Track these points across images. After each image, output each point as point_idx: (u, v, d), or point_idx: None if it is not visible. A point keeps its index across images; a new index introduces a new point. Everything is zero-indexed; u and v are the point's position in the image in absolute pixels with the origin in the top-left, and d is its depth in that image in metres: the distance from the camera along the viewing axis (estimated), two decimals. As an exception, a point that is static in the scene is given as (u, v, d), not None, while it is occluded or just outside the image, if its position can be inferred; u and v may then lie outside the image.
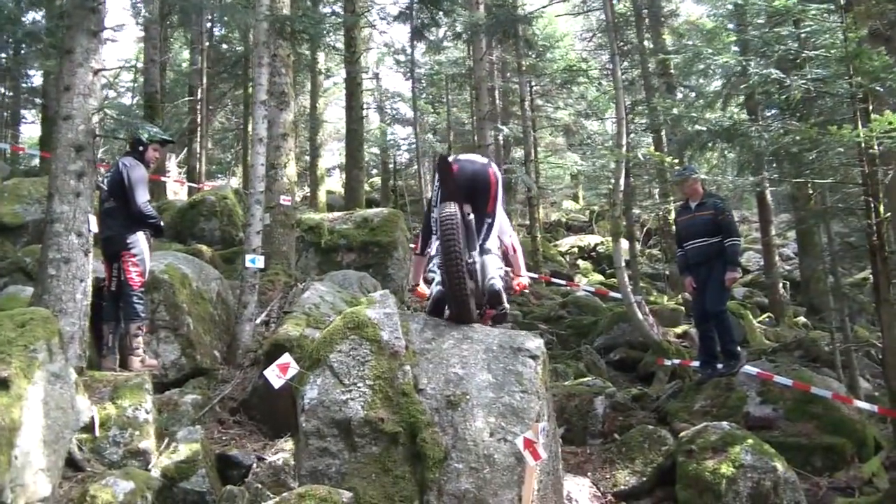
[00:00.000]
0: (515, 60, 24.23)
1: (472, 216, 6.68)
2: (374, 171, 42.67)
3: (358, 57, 24.94)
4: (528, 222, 30.02)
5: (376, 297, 6.65)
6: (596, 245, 29.71)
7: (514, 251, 7.65)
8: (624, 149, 12.35)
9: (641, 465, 7.86)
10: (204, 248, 13.35)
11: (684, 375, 11.61)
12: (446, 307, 6.84)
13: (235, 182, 29.20)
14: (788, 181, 10.99)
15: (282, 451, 6.84)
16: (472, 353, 6.15)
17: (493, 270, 6.88)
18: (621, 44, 27.87)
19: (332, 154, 42.73)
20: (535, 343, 6.37)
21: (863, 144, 7.49)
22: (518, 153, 30.19)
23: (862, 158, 8.30)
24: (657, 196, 41.57)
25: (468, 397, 5.82)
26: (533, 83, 26.17)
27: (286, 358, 5.78)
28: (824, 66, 8.83)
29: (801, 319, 20.21)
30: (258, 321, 10.06)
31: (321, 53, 27.56)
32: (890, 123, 6.60)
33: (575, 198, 40.70)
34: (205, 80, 21.27)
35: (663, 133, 21.80)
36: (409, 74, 36.69)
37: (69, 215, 7.24)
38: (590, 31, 29.71)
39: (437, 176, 6.77)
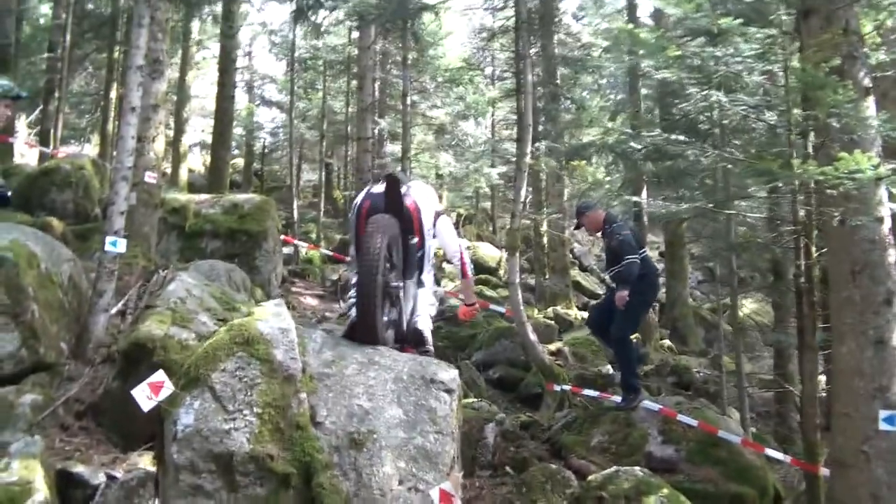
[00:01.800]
0: (400, 53, 23.39)
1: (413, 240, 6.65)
2: (236, 153, 41.23)
3: (235, 32, 23.75)
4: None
5: (270, 307, 5.70)
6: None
7: (467, 276, 7.59)
8: (528, 157, 11.70)
9: (543, 508, 7.14)
10: (55, 221, 11.94)
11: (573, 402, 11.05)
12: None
13: (90, 151, 27.41)
14: (717, 211, 10.51)
15: (137, 469, 5.84)
16: (380, 382, 5.29)
17: (423, 308, 6.77)
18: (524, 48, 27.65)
19: (194, 131, 41.00)
20: (449, 374, 5.57)
21: (813, 183, 6.98)
22: (394, 148, 29.40)
23: (797, 196, 7.88)
24: (528, 206, 41.98)
25: (375, 436, 4.97)
26: (413, 79, 25.39)
27: (160, 375, 4.80)
28: (766, 93, 8.45)
29: (666, 342, 20.11)
30: (113, 311, 8.90)
31: (196, 23, 26.15)
32: (857, 163, 6.05)
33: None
34: (68, 38, 19.59)
35: (543, 143, 21.46)
36: (282, 56, 35.72)
37: None
38: (481, 32, 29.21)
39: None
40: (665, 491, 6.70)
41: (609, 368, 14.43)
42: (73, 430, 6.90)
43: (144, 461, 6.06)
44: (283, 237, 15.71)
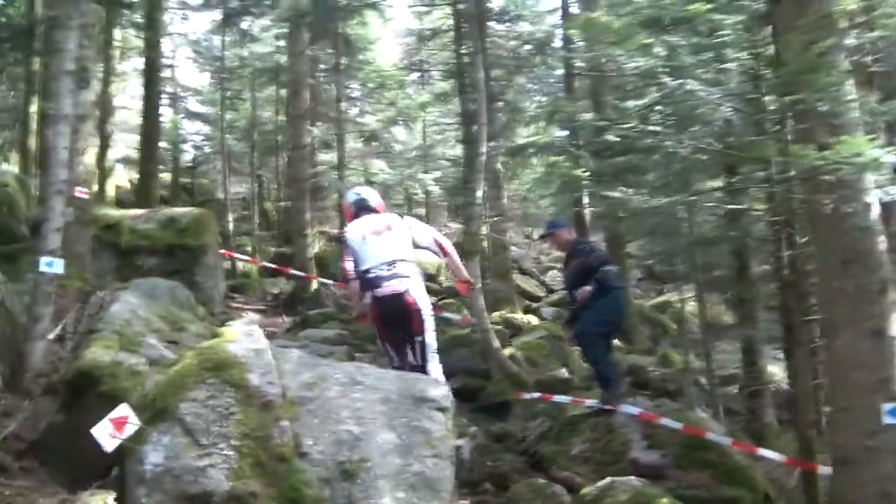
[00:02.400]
0: (334, 59, 22.86)
1: None
2: (161, 167, 40.27)
3: (158, 42, 22.98)
4: (336, 231, 28.75)
5: (239, 326, 5.15)
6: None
7: (448, 253, 7.55)
8: (483, 157, 11.23)
9: (536, 528, 6.65)
10: (-17, 249, 11.21)
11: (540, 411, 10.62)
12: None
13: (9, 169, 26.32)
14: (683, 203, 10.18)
15: (89, 512, 5.24)
16: (367, 403, 4.75)
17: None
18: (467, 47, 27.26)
19: (117, 147, 40.00)
20: (439, 391, 5.07)
21: (808, 167, 6.64)
22: (325, 157, 28.81)
23: (783, 184, 7.56)
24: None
25: (369, 464, 4.44)
26: (344, 85, 24.90)
27: (122, 409, 4.21)
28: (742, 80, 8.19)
29: (615, 341, 19.82)
30: (51, 337, 8.22)
31: (117, 33, 25.26)
32: (857, 147, 5.72)
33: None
34: None
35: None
36: (207, 67, 34.88)
37: None
38: (412, 34, 28.90)
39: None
40: (664, 501, 6.27)
41: (564, 372, 14.09)
42: (13, 471, 6.21)
43: (96, 502, 5.45)
44: (222, 251, 15.04)
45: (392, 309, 6.86)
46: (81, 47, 10.87)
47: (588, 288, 8.81)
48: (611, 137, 11.90)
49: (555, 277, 30.72)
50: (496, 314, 18.78)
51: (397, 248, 7.03)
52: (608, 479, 6.71)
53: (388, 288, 6.78)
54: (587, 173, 14.97)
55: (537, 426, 9.66)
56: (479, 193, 11.37)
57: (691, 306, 23.44)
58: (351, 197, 7.84)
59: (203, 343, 5.06)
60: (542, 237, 10.62)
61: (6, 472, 6.14)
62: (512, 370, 11.23)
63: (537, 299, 27.93)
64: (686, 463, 7.92)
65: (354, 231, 7.29)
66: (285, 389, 4.77)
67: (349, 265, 7.46)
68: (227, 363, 4.67)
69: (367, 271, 6.94)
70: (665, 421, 8.29)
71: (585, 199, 18.36)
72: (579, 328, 9.15)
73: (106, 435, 4.18)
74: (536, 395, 10.63)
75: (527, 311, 23.64)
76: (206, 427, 4.41)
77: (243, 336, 4.92)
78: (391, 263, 6.89)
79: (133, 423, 4.24)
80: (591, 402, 9.29)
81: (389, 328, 7.08)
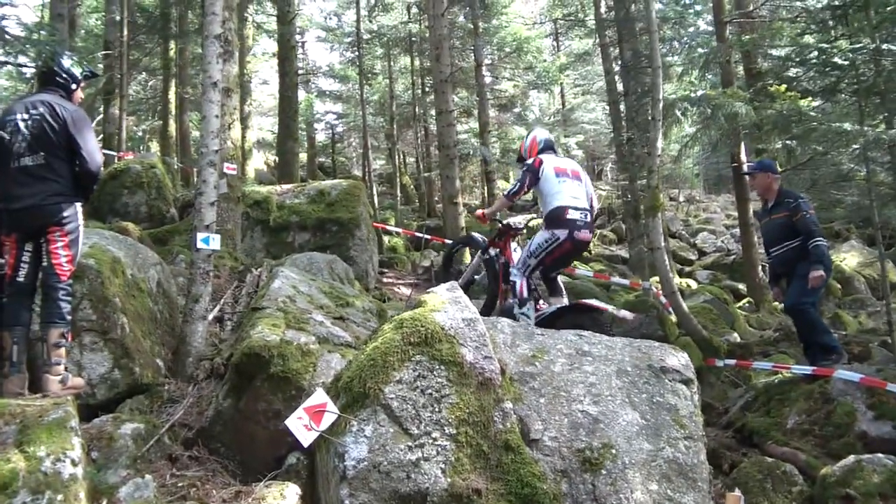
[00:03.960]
0: (471, 21, 22.22)
1: None
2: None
3: (292, 17, 22.74)
4: (480, 199, 28.28)
5: (443, 293, 4.46)
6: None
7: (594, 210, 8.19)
8: (661, 104, 10.37)
9: (769, 513, 5.83)
10: (130, 225, 10.91)
11: (734, 380, 9.77)
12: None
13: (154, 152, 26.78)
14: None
15: (265, 504, 4.72)
16: (602, 377, 4.05)
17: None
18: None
19: (253, 129, 40.76)
20: (679, 359, 4.32)
21: None
22: (469, 124, 28.32)
23: None
24: (608, 173, 40.71)
25: (614, 451, 3.76)
26: (483, 50, 24.26)
27: (319, 397, 3.60)
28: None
29: (778, 305, 18.73)
30: (210, 317, 7.82)
31: (250, 15, 25.23)
32: None
33: (506, 176, 39.14)
34: (125, 33, 18.65)
35: (622, 104, 20.17)
36: (337, 45, 34.83)
37: None
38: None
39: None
40: (926, 483, 5.37)
41: (737, 336, 13.22)
42: (184, 461, 5.78)
43: (273, 495, 4.93)
44: (373, 224, 14.58)
45: (577, 252, 7.93)
46: (224, 19, 10.54)
47: (822, 274, 8.19)
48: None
49: (705, 240, 29.61)
50: (652, 279, 17.97)
51: (587, 198, 7.79)
52: (852, 458, 5.80)
53: (584, 234, 7.53)
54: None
55: (739, 396, 8.80)
56: (660, 144, 10.50)
57: (849, 265, 22.22)
58: (541, 133, 8.37)
59: (404, 314, 4.38)
60: (747, 173, 9.79)
61: (176, 462, 5.72)
62: (703, 335, 10.35)
63: (689, 262, 26.99)
64: (927, 436, 6.94)
65: (551, 164, 7.78)
66: (503, 365, 4.08)
67: (515, 189, 7.86)
68: (436, 336, 4.00)
69: (563, 209, 7.46)
70: (894, 387, 7.27)
71: (743, 157, 17.37)
72: (795, 301, 8.42)
73: (301, 427, 3.60)
74: (731, 361, 9.77)
75: (680, 274, 22.79)
76: (415, 413, 3.78)
77: (449, 304, 4.24)
78: (585, 213, 7.60)
79: (331, 412, 3.64)
80: (797, 367, 8.39)
81: (561, 263, 8.10)
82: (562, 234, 7.41)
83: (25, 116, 5.97)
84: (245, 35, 25.30)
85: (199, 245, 7.30)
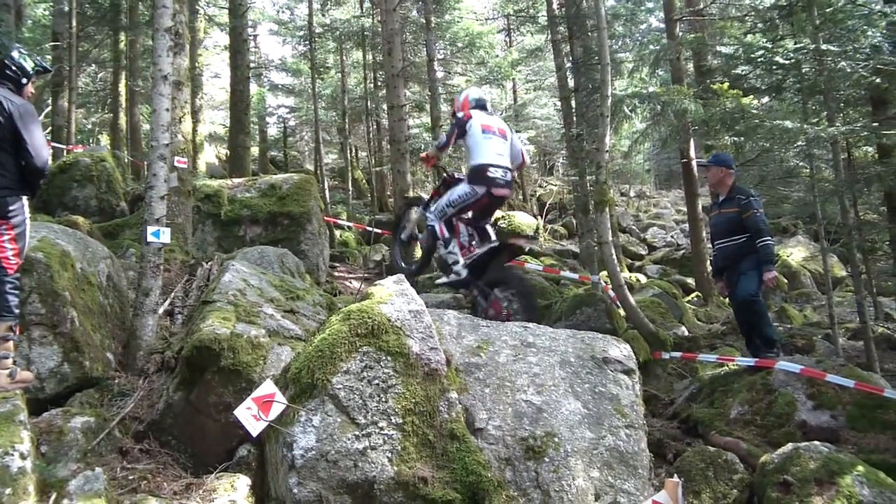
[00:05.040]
0: (423, 16, 22.24)
1: None
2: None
3: (245, 10, 22.62)
4: (431, 194, 28.32)
5: (390, 285, 4.52)
6: (497, 220, 27.90)
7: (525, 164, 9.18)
8: (609, 100, 10.47)
9: (710, 500, 5.92)
10: (80, 219, 10.83)
11: (681, 372, 9.94)
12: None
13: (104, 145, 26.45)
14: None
15: (217, 496, 4.74)
16: (545, 368, 4.14)
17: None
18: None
19: (204, 123, 40.45)
20: (622, 350, 4.42)
21: None
22: (421, 119, 28.30)
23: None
24: (560, 168, 40.90)
25: (556, 439, 3.84)
26: (435, 45, 24.25)
27: (268, 387, 3.65)
28: None
29: (724, 298, 19.01)
30: (160, 311, 7.80)
31: (201, 7, 25.01)
32: None
33: (458, 170, 39.16)
34: (74, 24, 18.40)
35: (573, 100, 20.31)
36: (290, 38, 34.68)
37: None
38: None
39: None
40: (861, 469, 5.48)
41: (684, 330, 13.42)
42: (134, 454, 5.78)
43: (224, 487, 4.96)
44: (325, 218, 14.57)
45: (494, 206, 8.44)
46: (174, 12, 10.51)
47: (774, 274, 8.39)
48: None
49: (655, 235, 29.93)
50: (601, 273, 18.17)
51: (508, 157, 8.27)
52: (790, 446, 5.92)
53: (502, 191, 8.03)
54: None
55: (684, 388, 8.95)
56: (608, 140, 10.62)
57: (795, 260, 22.63)
58: (474, 93, 8.78)
59: (351, 306, 4.43)
60: (702, 166, 9.95)
61: (127, 455, 5.73)
62: (650, 328, 10.50)
63: (640, 257, 27.28)
64: (863, 425, 7.07)
65: (479, 120, 8.20)
66: (449, 356, 4.16)
67: (444, 141, 8.29)
68: (382, 328, 4.06)
69: (485, 166, 7.92)
70: (833, 378, 7.43)
71: (692, 153, 17.61)
72: (745, 293, 8.49)
73: (250, 417, 3.65)
74: (677, 354, 9.92)
75: (630, 269, 23.03)
76: (362, 403, 3.84)
77: (396, 296, 4.30)
78: (506, 171, 8.08)
79: (280, 402, 3.69)
80: (741, 359, 8.55)
81: (479, 215, 8.59)
82: (480, 189, 7.94)
83: None
84: (196, 28, 25.05)
85: (150, 239, 7.31)
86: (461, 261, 8.29)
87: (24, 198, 5.99)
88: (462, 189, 8.11)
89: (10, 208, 5.82)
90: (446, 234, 8.38)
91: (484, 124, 8.17)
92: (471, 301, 9.06)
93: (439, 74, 26.84)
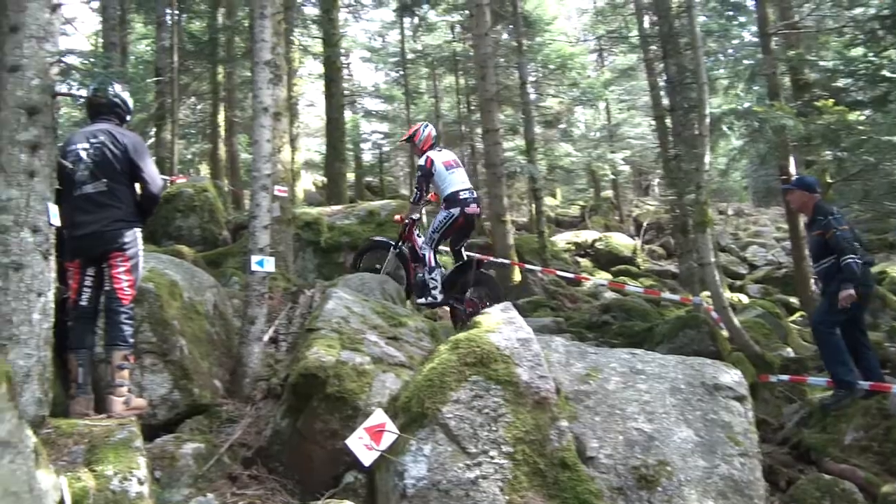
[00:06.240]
0: (514, 40, 22.29)
1: None
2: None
3: (338, 39, 22.98)
4: (527, 216, 28.23)
5: (497, 314, 4.56)
6: (594, 241, 27.78)
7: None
8: (708, 119, 10.39)
9: (827, 532, 5.78)
10: (185, 249, 11.15)
11: (789, 395, 9.70)
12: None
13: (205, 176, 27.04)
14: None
15: (333, 524, 4.81)
16: (656, 395, 4.10)
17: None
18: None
19: (301, 151, 41.12)
20: (732, 376, 4.36)
21: None
22: (515, 142, 28.33)
23: None
24: (656, 188, 40.55)
25: (669, 468, 3.79)
26: (527, 67, 24.27)
27: (379, 417, 3.70)
28: None
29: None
30: (265, 339, 7.95)
31: (296, 38, 25.46)
32: None
33: (552, 193, 39.00)
34: (175, 58, 18.95)
35: (667, 119, 20.10)
36: (381, 65, 35.07)
37: (20, 203, 5.02)
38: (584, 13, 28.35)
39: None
40: None
41: (790, 351, 13.11)
42: (243, 480, 5.90)
43: (331, 511, 5.02)
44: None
45: (469, 224, 10.05)
46: (273, 45, 10.75)
47: (850, 292, 7.82)
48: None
49: (755, 253, 29.36)
50: (703, 294, 17.88)
51: (468, 181, 10.04)
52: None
53: (472, 208, 9.81)
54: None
55: (795, 412, 8.72)
56: (707, 159, 10.52)
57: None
58: (430, 130, 10.45)
59: (459, 335, 4.47)
60: (785, 189, 9.84)
61: (236, 481, 5.85)
62: (755, 350, 10.30)
63: (740, 277, 26.78)
64: None
65: (439, 160, 9.94)
66: (558, 384, 4.15)
67: (417, 196, 10.15)
68: (491, 356, 4.07)
69: (456, 192, 9.73)
70: (954, 406, 7.16)
71: (792, 169, 17.25)
72: (815, 320, 8.39)
73: (362, 447, 3.68)
74: (785, 377, 9.69)
75: (730, 289, 22.61)
76: (472, 432, 3.83)
77: (504, 324, 4.32)
78: (472, 191, 9.92)
79: (391, 432, 3.73)
80: (863, 383, 8.26)
81: (460, 236, 10.24)
82: (455, 210, 9.70)
83: (86, 145, 6.16)
84: (291, 58, 25.48)
85: (254, 268, 7.45)
86: (439, 286, 9.99)
87: (138, 229, 6.22)
88: (441, 215, 9.84)
89: (126, 240, 6.09)
90: (433, 263, 10.02)
91: (444, 161, 9.96)
92: (451, 311, 10.60)
93: (532, 97, 26.81)
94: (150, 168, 6.31)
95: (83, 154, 6.13)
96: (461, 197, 9.74)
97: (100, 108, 6.48)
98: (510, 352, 4.13)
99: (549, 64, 25.97)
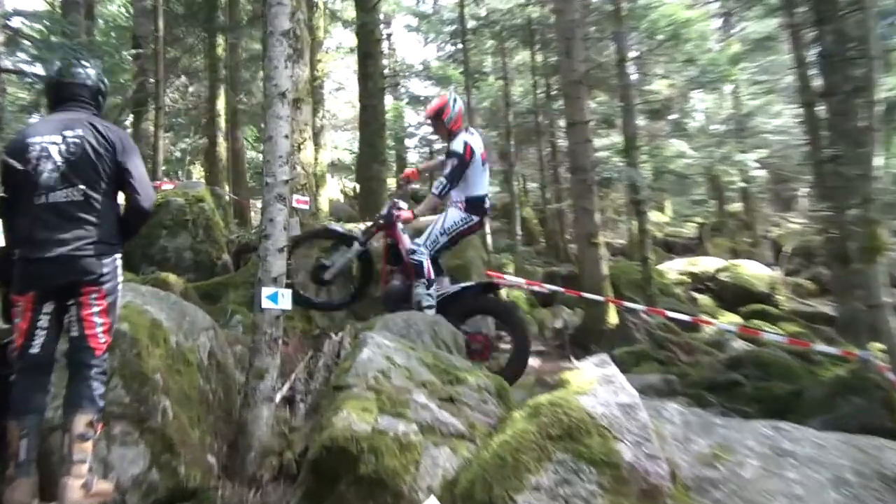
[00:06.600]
0: (610, 2, 22.17)
1: None
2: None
3: (376, 2, 23.02)
4: (626, 237, 28.03)
5: (591, 368, 4.46)
6: (716, 271, 27.49)
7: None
8: (880, 108, 10.16)
9: None
10: (172, 277, 11.17)
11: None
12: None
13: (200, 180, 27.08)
14: None
15: None
16: (813, 489, 4.01)
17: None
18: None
19: (326, 149, 41.49)
20: (918, 464, 4.24)
21: None
22: (610, 138, 28.17)
23: None
24: (803, 202, 40.10)
25: None
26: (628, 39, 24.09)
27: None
28: None
29: None
30: (278, 398, 7.90)
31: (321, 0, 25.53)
32: None
33: (660, 207, 38.78)
34: (160, 24, 18.66)
35: (820, 107, 19.82)
36: (432, 36, 35.09)
37: None
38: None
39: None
40: None
41: None
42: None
43: None
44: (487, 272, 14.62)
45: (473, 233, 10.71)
46: (292, 10, 10.75)
47: None
48: None
49: None
50: (873, 347, 17.57)
51: None
52: None
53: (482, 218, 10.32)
54: None
55: None
56: (879, 161, 10.31)
57: None
58: (461, 105, 10.47)
59: (540, 398, 4.35)
60: None
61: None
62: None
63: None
64: None
65: (478, 150, 10.10)
66: (673, 467, 4.06)
67: (447, 187, 10.00)
68: (583, 428, 4.01)
69: (482, 198, 10.21)
70: None
71: None
72: None
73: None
74: None
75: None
76: (558, 531, 3.73)
77: (600, 383, 4.24)
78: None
79: (446, 530, 3.65)
80: None
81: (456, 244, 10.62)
82: (476, 218, 10.17)
83: (57, 139, 6.01)
84: (315, 26, 25.48)
85: (265, 304, 7.40)
86: (435, 306, 10.08)
87: (119, 255, 6.14)
88: (458, 215, 10.16)
89: (104, 270, 6.00)
90: (432, 276, 10.15)
91: (481, 153, 10.18)
92: None
93: (633, 78, 26.66)
94: (140, 173, 6.21)
95: (53, 150, 5.97)
96: (485, 206, 10.28)
97: (72, 91, 6.37)
98: (608, 422, 4.08)
99: (657, 34, 25.64)
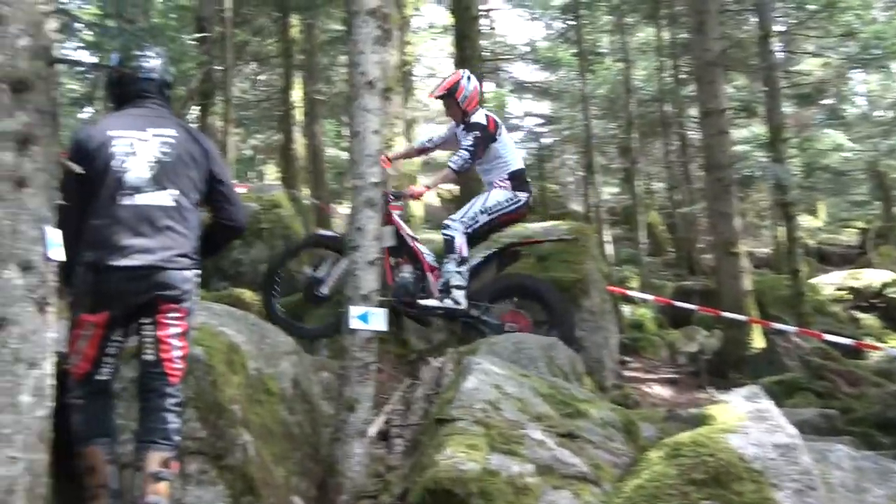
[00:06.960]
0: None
1: None
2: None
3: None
4: (772, 246, 27.85)
5: (740, 402, 4.51)
6: (883, 286, 27.08)
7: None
8: None
9: None
10: (248, 294, 11.33)
11: None
12: None
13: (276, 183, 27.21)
14: None
15: None
16: None
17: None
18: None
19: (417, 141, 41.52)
20: None
21: None
22: (752, 129, 27.94)
23: None
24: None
25: None
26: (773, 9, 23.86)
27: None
28: None
29: None
30: (372, 432, 8.03)
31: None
32: None
33: (812, 210, 38.38)
34: (228, 4, 18.72)
35: None
36: (538, 13, 35.03)
37: (2, 228, 4.80)
38: None
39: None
40: None
41: None
42: None
43: None
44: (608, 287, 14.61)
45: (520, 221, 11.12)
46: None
47: None
48: None
49: None
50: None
51: None
52: None
53: (529, 196, 10.53)
54: None
55: None
56: None
57: None
58: (476, 83, 10.89)
59: (680, 437, 4.39)
60: None
61: None
62: None
63: None
64: None
65: (502, 124, 10.58)
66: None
67: (469, 161, 10.25)
68: (732, 472, 4.03)
69: (525, 173, 10.67)
70: None
71: None
72: None
73: None
74: None
75: None
76: None
77: (751, 420, 4.28)
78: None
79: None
80: None
81: (497, 230, 10.84)
82: (523, 196, 10.38)
83: (144, 136, 5.97)
84: (403, 3, 25.47)
85: (355, 324, 7.46)
86: (465, 288, 10.28)
87: (199, 272, 6.15)
88: (505, 194, 10.36)
89: (187, 287, 5.98)
90: (465, 253, 10.27)
91: (505, 128, 10.66)
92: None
93: (780, 57, 26.33)
94: (231, 184, 6.31)
95: (142, 148, 5.92)
96: (528, 181, 10.62)
97: (140, 86, 6.28)
98: (762, 465, 4.09)
99: (808, 4, 25.37)
